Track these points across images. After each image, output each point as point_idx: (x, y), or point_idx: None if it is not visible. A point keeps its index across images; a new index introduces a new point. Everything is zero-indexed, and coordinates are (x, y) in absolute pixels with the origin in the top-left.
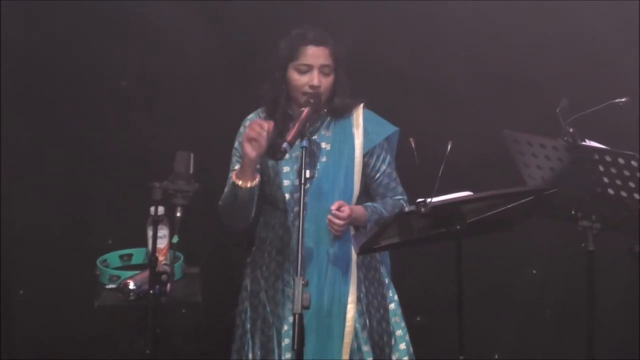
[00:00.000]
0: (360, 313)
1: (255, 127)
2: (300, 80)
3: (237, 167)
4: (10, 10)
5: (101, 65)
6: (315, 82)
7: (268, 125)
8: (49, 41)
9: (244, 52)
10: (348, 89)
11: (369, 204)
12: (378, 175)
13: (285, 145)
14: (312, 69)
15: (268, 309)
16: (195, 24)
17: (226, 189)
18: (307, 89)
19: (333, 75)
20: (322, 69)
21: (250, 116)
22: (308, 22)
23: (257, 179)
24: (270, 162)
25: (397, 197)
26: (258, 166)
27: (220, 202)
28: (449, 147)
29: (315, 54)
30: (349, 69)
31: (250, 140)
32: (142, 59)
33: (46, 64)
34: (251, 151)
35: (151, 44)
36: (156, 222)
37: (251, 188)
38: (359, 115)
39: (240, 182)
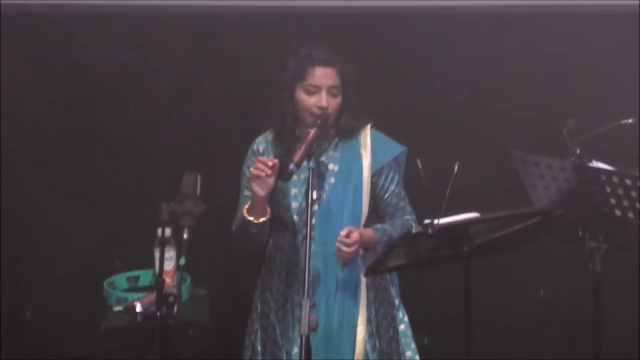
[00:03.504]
0: (370, 334)
1: (260, 166)
2: (309, 101)
3: (246, 192)
4: (16, 30)
5: (109, 86)
6: (324, 103)
7: (273, 163)
8: (57, 61)
9: (251, 74)
10: (357, 108)
11: (378, 225)
12: (387, 195)
13: (292, 166)
14: (320, 90)
15: (278, 330)
16: (203, 45)
17: (237, 219)
18: (315, 109)
19: (341, 95)
20: (330, 90)
21: (258, 139)
22: (314, 41)
23: (269, 213)
24: (279, 184)
25: (406, 217)
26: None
27: (233, 231)
28: (456, 168)
29: (323, 75)
30: (357, 89)
31: (256, 178)
32: (150, 79)
33: (53, 85)
34: (259, 190)
35: (159, 65)
36: (163, 243)
37: (263, 222)
38: (366, 135)
39: (251, 218)
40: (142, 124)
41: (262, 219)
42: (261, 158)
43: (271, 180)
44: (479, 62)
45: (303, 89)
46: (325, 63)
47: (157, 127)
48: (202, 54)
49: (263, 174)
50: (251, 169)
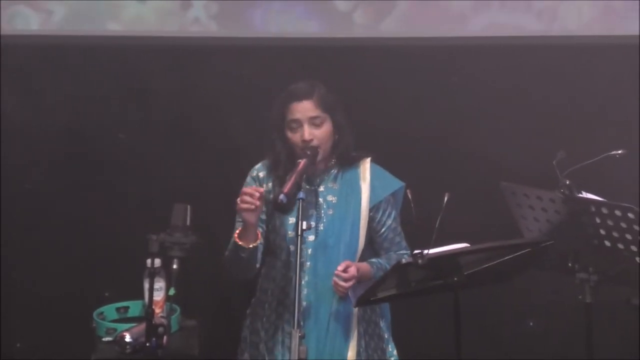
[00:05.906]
0: None
1: (247, 198)
2: (294, 137)
3: (240, 218)
4: (8, 65)
5: (99, 118)
6: (306, 136)
7: (259, 193)
8: (47, 93)
9: (243, 104)
10: (351, 135)
11: (374, 260)
12: (383, 229)
13: (281, 196)
14: (301, 124)
15: None
16: (193, 75)
17: (230, 243)
18: (301, 144)
19: (328, 123)
20: (312, 121)
21: (258, 166)
22: (305, 74)
23: (260, 239)
24: (277, 213)
25: (401, 252)
26: (263, 216)
27: (225, 256)
28: (445, 199)
29: (300, 109)
30: (348, 114)
31: (244, 210)
32: (140, 111)
33: (43, 116)
34: (249, 218)
35: (149, 96)
36: (153, 274)
37: (254, 247)
38: (366, 169)
39: (242, 243)
40: (132, 155)
41: (252, 245)
42: (246, 189)
43: (259, 207)
44: (470, 92)
45: (288, 127)
46: (300, 97)
47: (146, 158)
48: (193, 86)
49: (252, 207)
50: (238, 203)
